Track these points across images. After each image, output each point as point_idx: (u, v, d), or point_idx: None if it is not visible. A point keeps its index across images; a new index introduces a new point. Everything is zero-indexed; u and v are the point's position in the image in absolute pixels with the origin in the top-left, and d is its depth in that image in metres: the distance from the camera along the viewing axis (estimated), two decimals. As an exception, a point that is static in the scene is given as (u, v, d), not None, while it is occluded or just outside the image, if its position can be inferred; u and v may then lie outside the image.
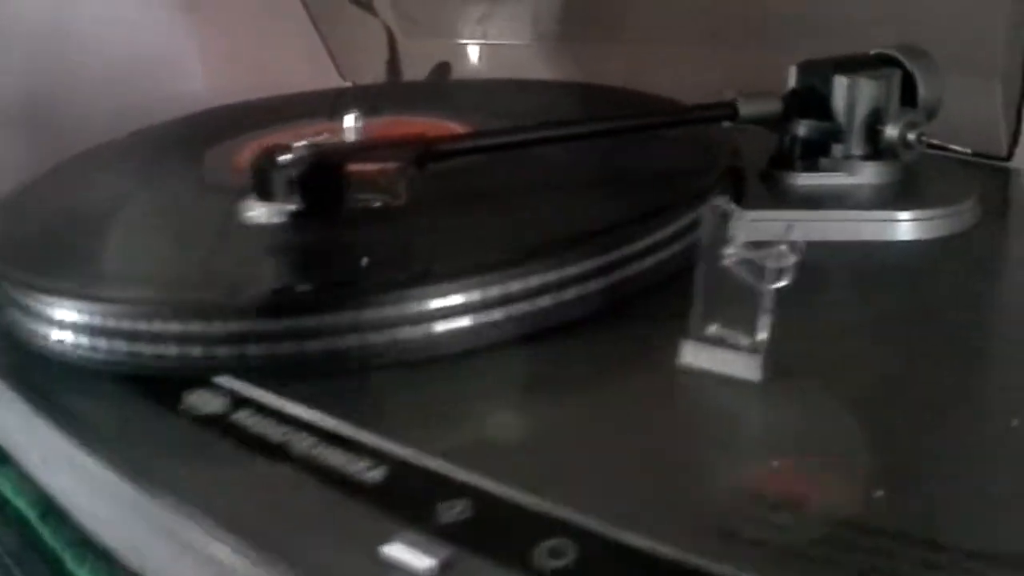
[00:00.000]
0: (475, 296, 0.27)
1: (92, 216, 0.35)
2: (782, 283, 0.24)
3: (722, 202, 0.25)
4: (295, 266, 0.31)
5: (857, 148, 0.38)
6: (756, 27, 0.50)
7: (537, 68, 0.57)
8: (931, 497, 0.21)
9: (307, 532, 0.21)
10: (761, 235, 0.35)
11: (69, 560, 0.27)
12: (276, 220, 0.31)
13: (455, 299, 0.27)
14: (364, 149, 0.31)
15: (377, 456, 0.23)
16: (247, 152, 0.37)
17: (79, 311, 0.28)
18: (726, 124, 0.36)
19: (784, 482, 0.21)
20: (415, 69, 0.55)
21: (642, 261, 0.30)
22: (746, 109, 0.36)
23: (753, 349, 0.26)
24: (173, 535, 0.22)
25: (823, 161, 0.38)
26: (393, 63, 0.53)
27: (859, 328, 0.29)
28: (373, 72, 0.55)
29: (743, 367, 0.26)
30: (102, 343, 0.28)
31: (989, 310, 0.30)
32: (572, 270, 0.28)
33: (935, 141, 0.37)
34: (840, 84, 0.37)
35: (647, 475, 0.22)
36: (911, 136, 0.36)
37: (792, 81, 0.38)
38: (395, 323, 0.27)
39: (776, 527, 0.20)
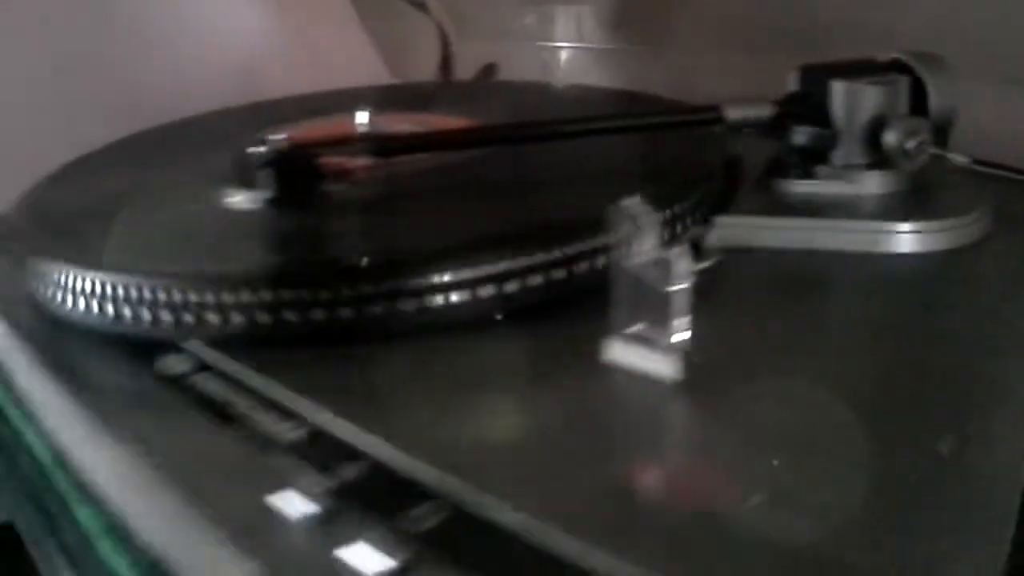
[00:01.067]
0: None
1: (106, 201, 0.38)
2: (683, 285, 0.24)
3: (632, 203, 0.25)
4: (276, 245, 0.33)
5: (858, 156, 0.36)
6: (798, 36, 0.48)
7: (588, 71, 0.57)
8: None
9: (226, 480, 0.23)
10: (749, 241, 0.35)
11: (73, 501, 0.29)
12: (253, 206, 0.33)
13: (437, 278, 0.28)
14: (333, 142, 0.33)
15: (300, 420, 0.25)
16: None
17: (87, 278, 0.31)
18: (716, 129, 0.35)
19: (669, 479, 0.22)
20: (467, 70, 0.56)
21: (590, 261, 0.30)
22: (733, 114, 0.35)
23: (671, 348, 0.25)
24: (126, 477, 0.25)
25: (821, 169, 0.36)
26: (445, 63, 0.55)
27: (813, 338, 0.28)
28: (426, 72, 0.56)
29: (662, 365, 0.26)
30: (107, 308, 0.30)
31: (955, 327, 0.29)
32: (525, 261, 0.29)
33: (935, 150, 0.35)
34: (837, 90, 0.35)
35: (538, 458, 0.23)
36: (910, 145, 0.35)
37: (792, 85, 0.37)
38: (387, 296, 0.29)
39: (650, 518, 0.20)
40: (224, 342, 0.29)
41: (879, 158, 0.36)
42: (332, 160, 0.32)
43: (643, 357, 0.26)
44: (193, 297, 0.28)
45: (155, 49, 0.61)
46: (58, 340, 0.32)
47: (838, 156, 0.36)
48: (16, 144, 0.53)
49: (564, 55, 0.57)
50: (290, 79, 0.59)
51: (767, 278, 0.32)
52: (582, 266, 0.30)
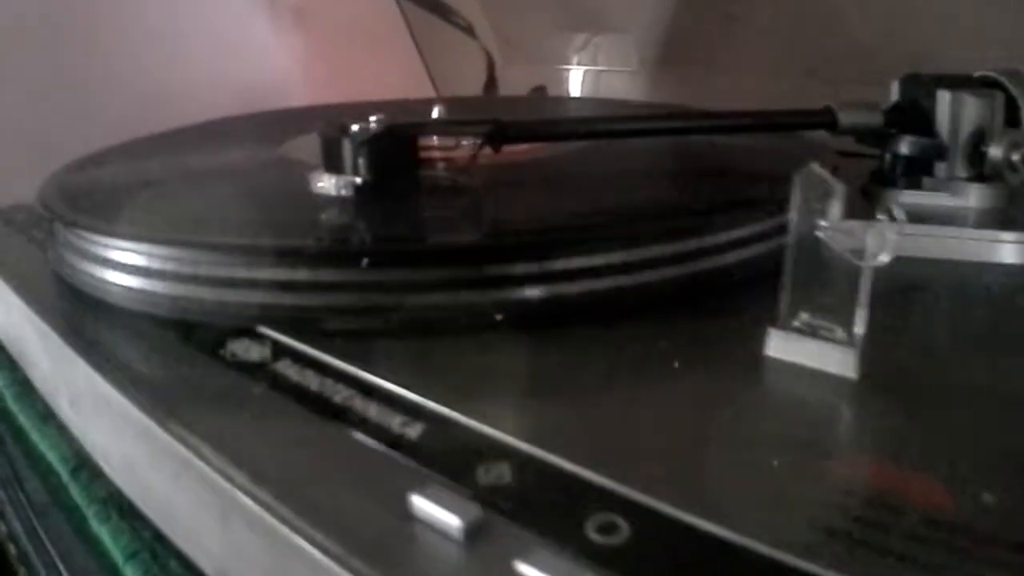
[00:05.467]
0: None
1: (158, 180, 0.32)
2: (883, 259, 0.20)
3: (821, 169, 0.20)
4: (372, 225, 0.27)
5: (961, 169, 0.32)
6: (854, 64, 0.45)
7: (635, 95, 0.53)
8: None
9: (340, 482, 0.17)
10: (857, 245, 0.30)
11: (92, 517, 0.24)
12: (344, 192, 0.28)
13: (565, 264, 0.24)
14: (436, 124, 0.28)
15: (414, 412, 0.20)
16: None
17: (144, 253, 0.25)
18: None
19: (881, 480, 0.17)
20: (512, 93, 0.52)
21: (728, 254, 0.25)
22: (846, 119, 0.31)
23: (848, 343, 0.21)
24: (201, 479, 0.19)
25: (926, 180, 0.33)
26: (490, 86, 0.51)
27: (950, 341, 0.24)
28: (471, 92, 0.52)
29: (837, 362, 0.21)
30: (170, 286, 0.25)
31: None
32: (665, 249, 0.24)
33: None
34: (943, 99, 0.32)
35: (713, 457, 0.18)
36: (1015, 157, 0.31)
37: (894, 95, 0.33)
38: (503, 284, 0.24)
39: (868, 523, 0.15)
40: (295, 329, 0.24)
41: (981, 171, 0.32)
42: (428, 144, 0.27)
43: (811, 353, 0.21)
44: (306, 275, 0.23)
45: (175, 60, 0.56)
46: (96, 323, 0.26)
47: (942, 168, 0.32)
48: (19, 149, 0.47)
49: (608, 80, 0.53)
50: (336, 94, 0.54)
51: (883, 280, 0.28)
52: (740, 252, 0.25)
